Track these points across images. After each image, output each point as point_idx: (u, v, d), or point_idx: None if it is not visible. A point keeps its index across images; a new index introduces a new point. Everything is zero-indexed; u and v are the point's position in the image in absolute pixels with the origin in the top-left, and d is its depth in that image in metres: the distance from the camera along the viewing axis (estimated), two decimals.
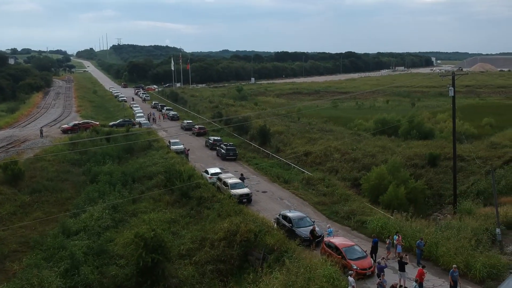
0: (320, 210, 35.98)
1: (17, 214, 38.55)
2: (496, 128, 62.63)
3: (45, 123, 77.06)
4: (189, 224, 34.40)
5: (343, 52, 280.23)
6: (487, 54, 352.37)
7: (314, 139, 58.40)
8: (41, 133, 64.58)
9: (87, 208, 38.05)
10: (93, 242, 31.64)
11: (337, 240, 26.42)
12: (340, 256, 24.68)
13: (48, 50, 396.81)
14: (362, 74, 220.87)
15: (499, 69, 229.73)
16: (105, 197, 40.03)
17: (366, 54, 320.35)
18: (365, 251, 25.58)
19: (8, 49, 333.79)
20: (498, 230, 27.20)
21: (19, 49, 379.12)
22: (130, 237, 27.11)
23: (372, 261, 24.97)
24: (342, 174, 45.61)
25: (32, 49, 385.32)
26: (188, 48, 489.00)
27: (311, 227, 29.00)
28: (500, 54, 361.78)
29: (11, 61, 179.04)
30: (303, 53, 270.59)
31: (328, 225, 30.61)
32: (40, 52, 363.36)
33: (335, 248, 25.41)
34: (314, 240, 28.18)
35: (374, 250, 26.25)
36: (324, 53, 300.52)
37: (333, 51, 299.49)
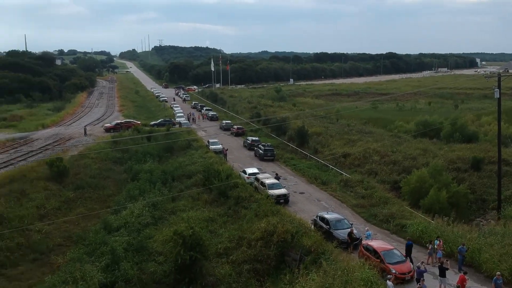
0: (359, 212, 35.53)
1: (61, 210, 39.80)
2: None
3: (88, 122, 79.47)
4: (226, 223, 34.67)
5: (384, 53, 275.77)
6: None
7: (353, 141, 57.75)
8: (85, 131, 66.66)
9: (128, 205, 38.97)
10: (133, 238, 32.29)
11: (375, 243, 26.02)
12: (378, 260, 24.27)
13: (93, 51, 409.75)
14: (403, 75, 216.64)
15: None
16: (145, 195, 40.88)
17: (407, 55, 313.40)
18: (405, 256, 25.09)
19: (55, 51, 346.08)
20: None
21: (65, 51, 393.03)
22: (169, 234, 27.51)
23: (412, 265, 24.45)
24: (382, 176, 44.86)
25: (78, 50, 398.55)
26: (228, 49, 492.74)
27: (349, 229, 28.67)
28: None
29: (58, 62, 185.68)
30: (343, 54, 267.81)
31: (366, 228, 30.20)
32: (85, 53, 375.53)
33: (374, 252, 25.03)
34: (352, 242, 27.85)
35: (407, 253, 25.75)
36: (364, 54, 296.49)
37: (373, 52, 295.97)
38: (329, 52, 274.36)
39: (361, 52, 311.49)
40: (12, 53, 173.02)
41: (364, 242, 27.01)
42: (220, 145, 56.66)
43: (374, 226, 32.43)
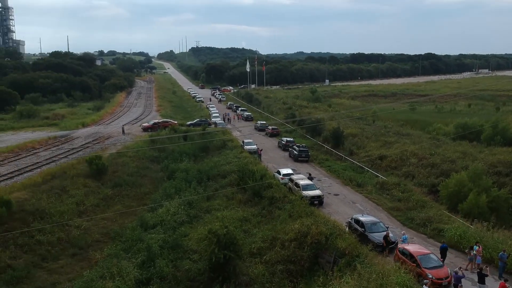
0: (395, 216, 34.93)
1: (100, 206, 40.83)
2: None
3: (127, 121, 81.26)
4: (260, 223, 34.74)
5: (423, 53, 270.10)
6: None
7: (389, 143, 56.82)
8: (123, 130, 68.18)
9: (164, 203, 39.64)
10: (168, 236, 32.79)
11: (412, 248, 25.53)
12: (414, 264, 23.85)
13: (132, 52, 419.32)
14: (443, 77, 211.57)
15: None
16: (181, 193, 41.48)
17: (447, 56, 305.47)
18: (442, 260, 24.54)
19: (95, 51, 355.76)
20: None
21: (105, 51, 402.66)
22: (204, 233, 27.81)
23: (449, 270, 23.89)
24: (419, 179, 43.92)
25: (117, 51, 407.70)
26: (263, 50, 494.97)
27: (385, 232, 28.26)
28: None
29: (98, 63, 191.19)
30: (380, 54, 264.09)
31: (402, 232, 29.66)
32: (124, 54, 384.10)
33: (410, 256, 24.59)
34: (387, 246, 27.43)
35: (442, 256, 25.21)
36: (402, 54, 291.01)
37: (411, 53, 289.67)
38: (366, 53, 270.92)
39: (399, 52, 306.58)
40: (55, 54, 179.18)
41: (400, 245, 26.55)
42: (255, 146, 56.85)
43: (410, 230, 31.83)
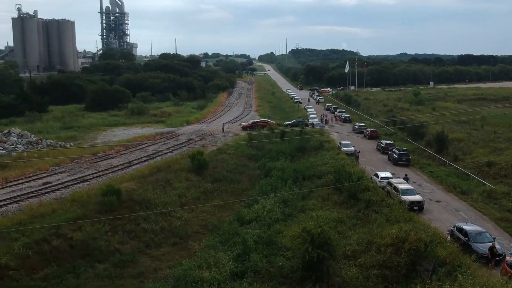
0: (503, 227, 32.42)
1: (200, 200, 42.67)
2: None
3: (227, 120, 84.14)
4: (355, 226, 34.12)
5: None
6: None
7: (499, 149, 52.73)
8: (223, 128, 70.69)
9: (260, 199, 40.48)
10: (263, 232, 33.33)
11: None
12: None
13: (234, 54, 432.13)
14: None
15: None
16: (276, 191, 42.03)
17: None
18: None
19: (201, 54, 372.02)
20: None
21: (210, 53, 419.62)
22: (298, 231, 27.86)
23: None
24: None
25: (221, 53, 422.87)
26: (365, 52, 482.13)
27: (491, 243, 26.43)
28: None
29: (203, 64, 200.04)
30: (491, 56, 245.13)
31: (511, 244, 27.52)
32: (227, 56, 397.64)
33: None
34: (493, 258, 25.61)
35: None
36: None
37: None
38: (475, 54, 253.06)
39: None
40: (164, 56, 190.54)
41: (508, 258, 24.66)
42: (352, 147, 55.97)
43: None
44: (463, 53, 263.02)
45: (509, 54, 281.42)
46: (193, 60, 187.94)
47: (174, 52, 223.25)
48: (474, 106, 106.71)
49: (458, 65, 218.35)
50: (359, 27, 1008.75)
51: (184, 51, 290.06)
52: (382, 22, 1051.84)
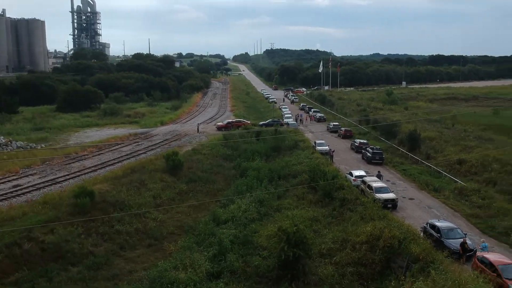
0: (474, 223, 33.16)
1: (175, 200, 42.29)
2: None
3: (202, 120, 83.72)
4: (330, 224, 34.38)
5: (509, 55, 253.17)
6: None
7: (469, 147, 53.94)
8: (198, 129, 70.31)
9: (235, 199, 40.40)
10: (239, 232, 33.30)
11: (492, 256, 24.15)
12: (495, 274, 22.53)
13: (208, 54, 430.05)
14: None
15: None
16: (252, 191, 42.00)
17: None
18: None
19: (175, 54, 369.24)
20: None
21: (184, 54, 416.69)
22: (274, 230, 27.95)
23: None
24: (502, 186, 41.25)
25: (195, 54, 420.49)
26: (338, 52, 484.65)
27: (462, 239, 26.98)
28: None
29: (177, 64, 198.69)
30: (461, 56, 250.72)
31: (482, 240, 28.16)
32: (201, 56, 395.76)
33: (490, 265, 23.28)
34: (465, 253, 26.16)
35: None
36: (486, 56, 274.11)
37: (496, 54, 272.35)
38: (446, 55, 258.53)
39: (482, 54, 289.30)
40: (138, 56, 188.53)
41: (479, 253, 25.23)
42: (327, 147, 56.36)
43: (491, 238, 30.11)
44: (434, 54, 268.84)
45: (479, 55, 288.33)
46: (167, 60, 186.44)
47: (148, 52, 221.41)
48: (445, 105, 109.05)
49: (429, 65, 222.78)
50: (333, 27, 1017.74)
51: (158, 51, 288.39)
52: (356, 22, 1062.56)
